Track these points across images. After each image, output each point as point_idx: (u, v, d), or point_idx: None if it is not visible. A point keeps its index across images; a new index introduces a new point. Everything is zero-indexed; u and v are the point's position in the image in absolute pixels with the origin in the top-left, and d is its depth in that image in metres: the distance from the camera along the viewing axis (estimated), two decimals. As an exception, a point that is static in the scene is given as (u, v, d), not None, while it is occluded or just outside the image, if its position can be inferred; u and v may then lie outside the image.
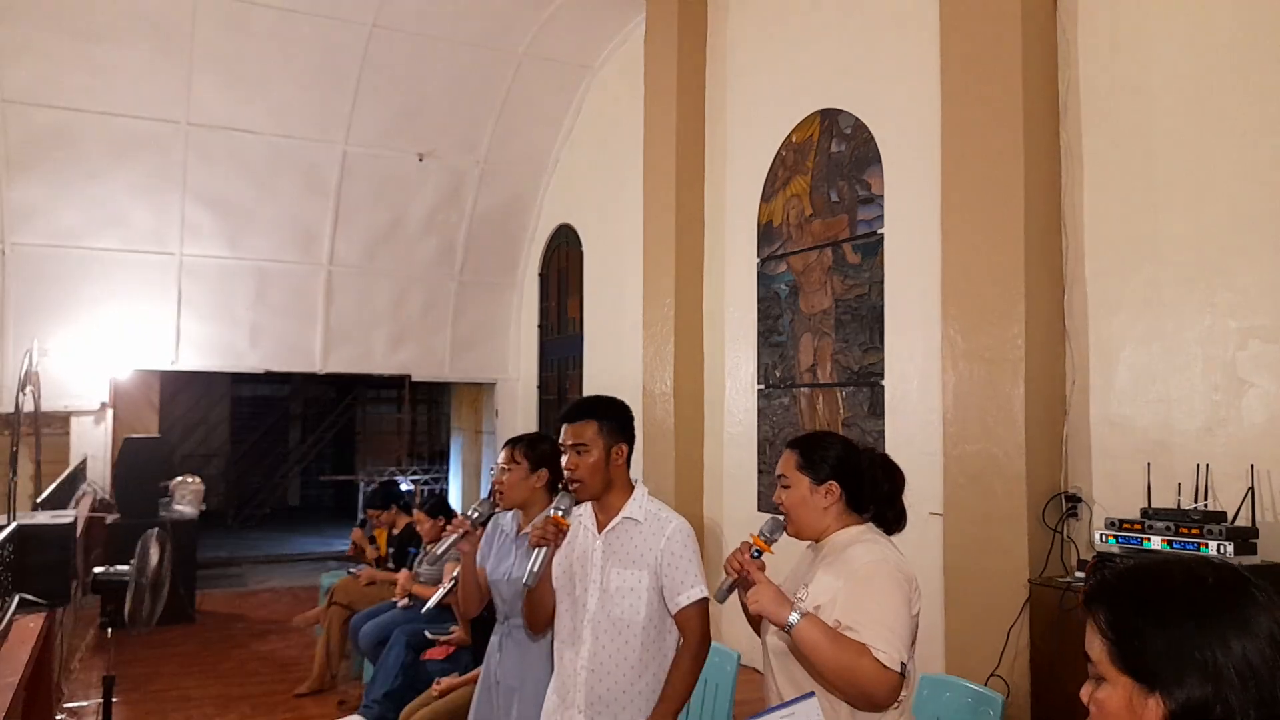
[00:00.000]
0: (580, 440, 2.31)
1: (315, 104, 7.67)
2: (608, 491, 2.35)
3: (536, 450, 2.78)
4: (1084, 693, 1.09)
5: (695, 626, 2.26)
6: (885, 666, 1.81)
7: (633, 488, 2.38)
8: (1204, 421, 3.40)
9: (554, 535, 2.28)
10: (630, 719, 2.25)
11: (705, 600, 2.27)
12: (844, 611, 1.89)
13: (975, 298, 4.02)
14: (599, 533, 2.33)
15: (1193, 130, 3.48)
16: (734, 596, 2.10)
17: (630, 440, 2.40)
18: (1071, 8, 3.92)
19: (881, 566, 1.92)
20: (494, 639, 2.81)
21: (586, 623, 2.27)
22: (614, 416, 2.37)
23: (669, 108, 6.32)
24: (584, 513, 2.40)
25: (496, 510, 2.85)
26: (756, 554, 2.05)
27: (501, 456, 2.90)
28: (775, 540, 2.10)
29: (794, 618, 1.87)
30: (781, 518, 2.11)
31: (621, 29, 7.70)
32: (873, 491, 2.09)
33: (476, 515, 2.64)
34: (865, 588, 1.90)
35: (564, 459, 2.34)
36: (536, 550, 2.28)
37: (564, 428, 2.36)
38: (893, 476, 2.12)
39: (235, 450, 15.23)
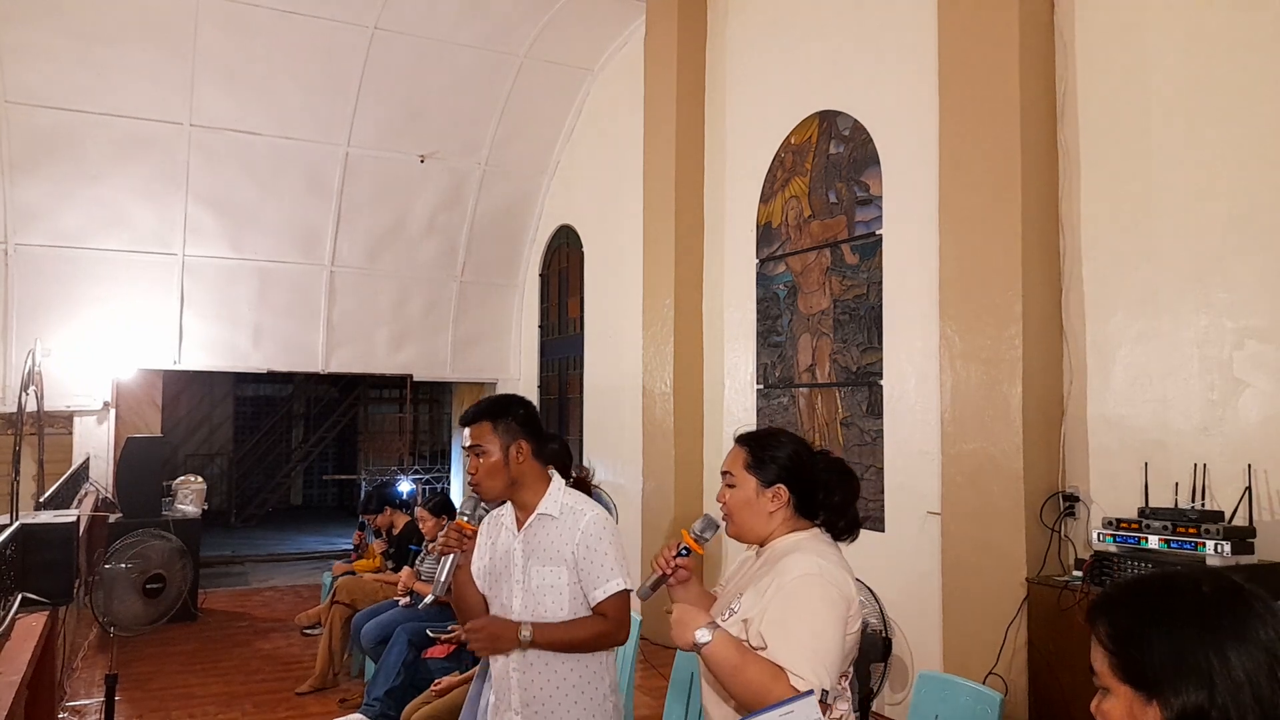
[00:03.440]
0: (478, 442, 2.28)
1: (317, 105, 7.69)
2: (518, 490, 2.30)
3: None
4: (1092, 705, 1.11)
5: (612, 619, 2.23)
6: (800, 692, 1.67)
7: (548, 481, 2.34)
8: (1201, 421, 3.41)
9: (458, 541, 2.24)
10: (566, 713, 2.23)
11: (625, 593, 2.22)
12: (767, 628, 1.76)
13: (973, 298, 4.03)
14: (518, 531, 2.31)
15: (1190, 131, 3.49)
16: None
17: (532, 436, 2.32)
18: (1069, 10, 3.94)
19: (812, 581, 1.78)
20: None
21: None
22: (510, 414, 2.32)
23: (669, 110, 6.34)
24: (505, 512, 2.37)
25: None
26: (685, 552, 1.98)
27: None
28: (706, 539, 2.00)
29: (703, 636, 1.75)
30: (715, 515, 2.02)
31: (622, 31, 7.72)
32: (824, 498, 1.96)
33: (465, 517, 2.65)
34: (791, 605, 1.76)
35: (466, 463, 2.32)
36: (444, 559, 2.24)
37: (463, 431, 2.33)
38: (846, 483, 1.98)
39: (238, 449, 15.26)
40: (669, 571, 1.98)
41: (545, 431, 2.45)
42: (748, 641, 1.79)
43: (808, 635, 1.73)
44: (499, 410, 2.33)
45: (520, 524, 2.31)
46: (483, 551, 2.37)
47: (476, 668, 4.01)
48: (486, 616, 2.25)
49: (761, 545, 1.97)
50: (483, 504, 2.35)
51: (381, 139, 8.02)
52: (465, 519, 2.27)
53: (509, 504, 2.37)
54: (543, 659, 2.23)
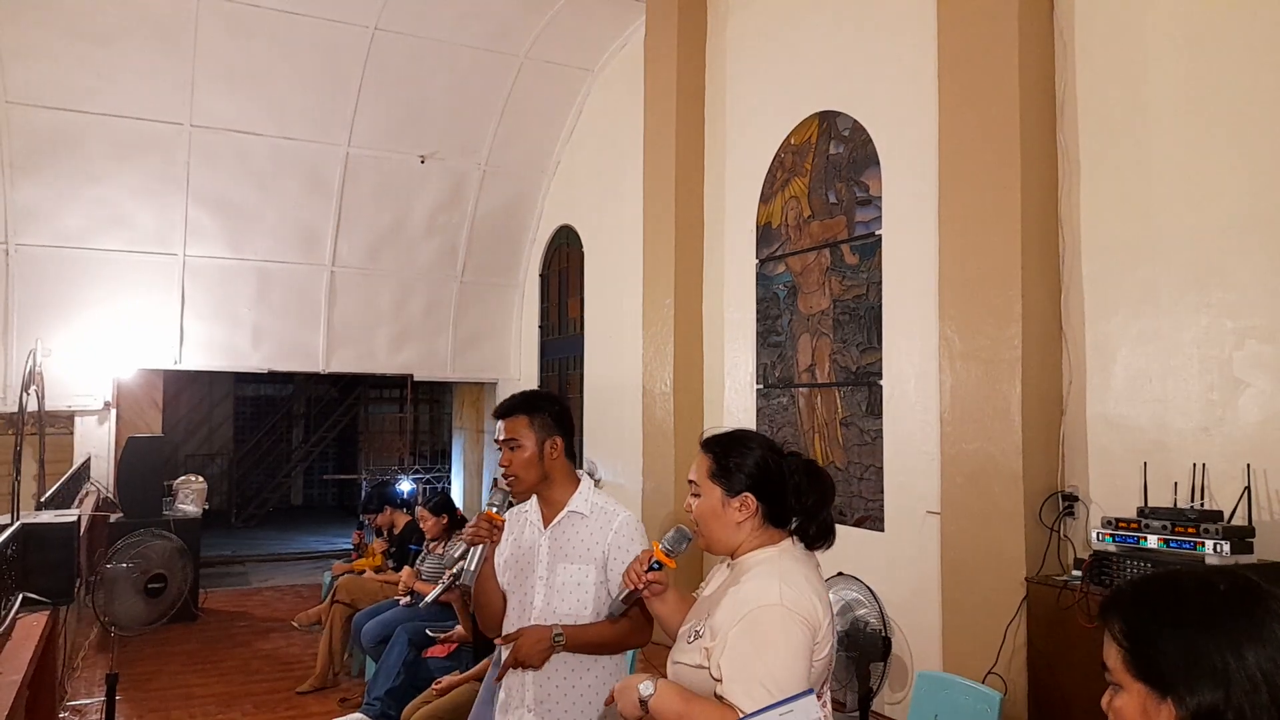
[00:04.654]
0: (513, 435, 2.28)
1: (318, 106, 7.70)
2: (548, 486, 2.31)
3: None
4: (1103, 701, 1.11)
5: (637, 621, 2.21)
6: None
7: (577, 481, 2.34)
8: (1200, 421, 3.41)
9: (488, 532, 2.24)
10: (580, 713, 2.22)
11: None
12: (725, 661, 1.69)
13: (972, 298, 4.03)
14: (544, 528, 2.31)
15: (1189, 131, 3.50)
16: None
17: (566, 433, 2.34)
18: (1068, 10, 3.94)
19: (768, 613, 1.68)
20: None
21: (532, 619, 2.24)
22: (546, 410, 2.32)
23: (669, 110, 6.34)
24: (530, 508, 2.37)
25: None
26: (656, 566, 1.92)
27: None
28: (677, 553, 1.93)
29: (646, 689, 1.71)
30: (686, 527, 1.95)
31: (622, 32, 7.73)
32: (796, 502, 1.85)
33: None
34: (747, 638, 1.67)
35: (500, 456, 2.32)
36: (472, 549, 2.24)
37: (498, 424, 2.34)
38: (818, 484, 1.87)
39: (238, 449, 15.27)
40: (640, 587, 1.93)
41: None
42: (709, 669, 1.73)
43: (761, 672, 1.64)
44: (535, 405, 2.34)
45: (547, 520, 2.31)
46: (504, 546, 2.36)
47: (478, 666, 4.03)
48: (520, 634, 2.22)
49: (732, 557, 1.88)
50: (510, 497, 2.35)
51: (382, 139, 8.03)
52: (494, 510, 2.26)
53: (533, 500, 2.37)
54: (560, 657, 2.22)
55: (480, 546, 2.25)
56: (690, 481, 1.92)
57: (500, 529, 2.29)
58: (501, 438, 2.30)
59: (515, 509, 2.42)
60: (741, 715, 1.62)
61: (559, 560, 2.26)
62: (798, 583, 1.74)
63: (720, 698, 1.68)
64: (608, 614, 2.13)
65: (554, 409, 2.35)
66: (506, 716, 2.28)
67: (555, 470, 2.31)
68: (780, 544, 1.84)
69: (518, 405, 2.33)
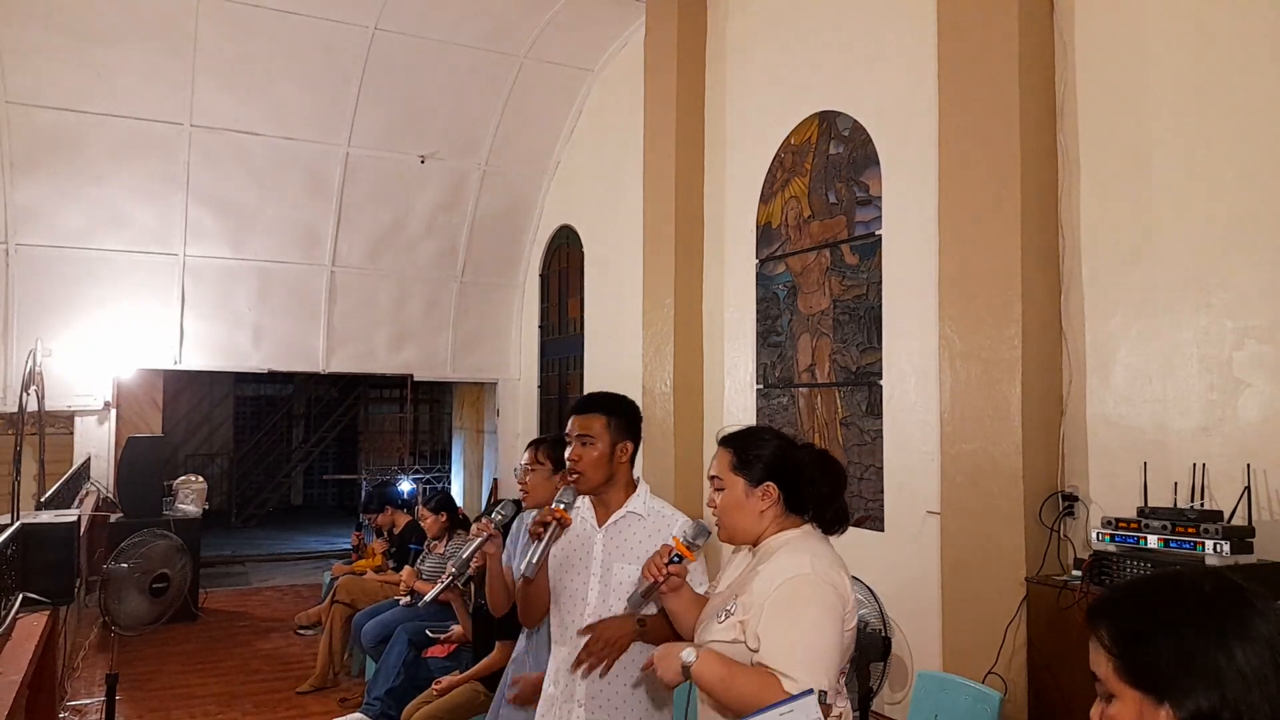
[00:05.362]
0: (587, 432, 2.32)
1: (318, 106, 7.70)
2: (608, 487, 2.34)
3: (559, 451, 2.81)
4: (1094, 712, 1.09)
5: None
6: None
7: (635, 486, 2.38)
8: (1200, 421, 3.41)
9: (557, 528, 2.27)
10: (630, 713, 2.25)
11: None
12: (763, 631, 1.76)
13: (972, 298, 4.03)
14: (599, 527, 2.34)
15: (1189, 132, 3.49)
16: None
17: (636, 439, 2.40)
18: (1069, 10, 3.94)
19: (804, 582, 1.78)
20: (521, 641, 2.84)
21: (587, 617, 2.27)
22: (623, 413, 2.38)
23: (669, 110, 6.34)
24: (582, 506, 2.40)
25: (522, 511, 2.90)
26: (677, 559, 1.97)
27: (525, 457, 2.94)
28: (698, 545, 2.01)
29: (688, 656, 1.77)
30: (703, 520, 2.03)
31: (622, 32, 7.72)
32: (812, 490, 1.96)
33: (500, 518, 2.64)
34: (784, 607, 1.76)
35: (569, 450, 2.35)
36: (535, 542, 2.27)
37: (572, 419, 2.38)
38: (831, 474, 1.98)
39: (238, 449, 15.27)
40: (661, 580, 1.97)
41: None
42: (745, 643, 1.79)
43: (801, 637, 1.72)
44: (614, 406, 2.39)
45: (601, 521, 2.34)
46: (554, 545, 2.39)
47: (478, 666, 4.03)
48: (596, 625, 2.24)
49: (754, 545, 1.96)
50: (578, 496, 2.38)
51: (382, 139, 8.03)
52: (563, 508, 2.29)
53: (585, 500, 2.41)
54: None
55: (543, 542, 2.27)
56: (713, 477, 2.01)
57: (566, 526, 2.31)
58: (576, 432, 2.34)
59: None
60: (781, 678, 1.67)
61: (615, 560, 2.29)
62: (825, 556, 1.86)
63: (759, 664, 1.74)
64: (628, 607, 2.16)
65: (631, 414, 2.41)
66: (554, 710, 2.30)
67: (620, 474, 2.35)
68: (802, 527, 1.95)
69: (596, 403, 2.39)
